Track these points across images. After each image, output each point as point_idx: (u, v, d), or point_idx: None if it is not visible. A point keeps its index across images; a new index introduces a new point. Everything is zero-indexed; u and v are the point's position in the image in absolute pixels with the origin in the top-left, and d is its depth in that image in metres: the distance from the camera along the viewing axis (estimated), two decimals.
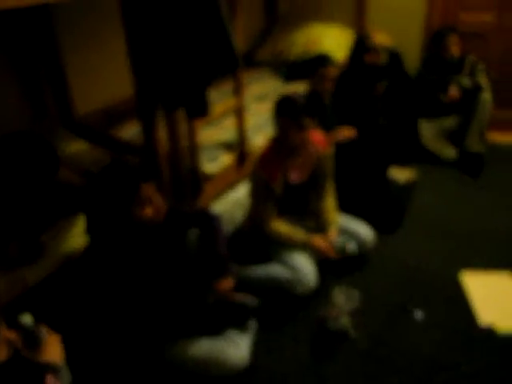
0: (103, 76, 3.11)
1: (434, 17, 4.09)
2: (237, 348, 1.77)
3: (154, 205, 1.68)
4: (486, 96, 3.34)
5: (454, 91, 3.35)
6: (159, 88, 2.15)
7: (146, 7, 1.99)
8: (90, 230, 1.74)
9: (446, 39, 3.39)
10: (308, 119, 2.07)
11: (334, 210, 2.35)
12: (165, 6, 1.96)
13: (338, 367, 1.88)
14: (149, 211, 1.67)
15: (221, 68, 2.20)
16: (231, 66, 2.24)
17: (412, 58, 3.85)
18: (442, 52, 3.43)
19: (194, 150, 2.48)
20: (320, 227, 2.29)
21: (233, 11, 2.40)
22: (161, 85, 2.14)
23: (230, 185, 2.82)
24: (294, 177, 2.23)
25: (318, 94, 2.82)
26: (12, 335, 1.25)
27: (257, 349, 1.89)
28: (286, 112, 2.08)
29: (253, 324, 1.89)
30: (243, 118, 2.78)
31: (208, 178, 2.63)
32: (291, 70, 4.05)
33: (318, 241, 2.19)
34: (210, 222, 1.95)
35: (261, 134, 3.03)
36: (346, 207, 2.50)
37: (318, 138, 2.28)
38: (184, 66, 2.06)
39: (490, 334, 2.00)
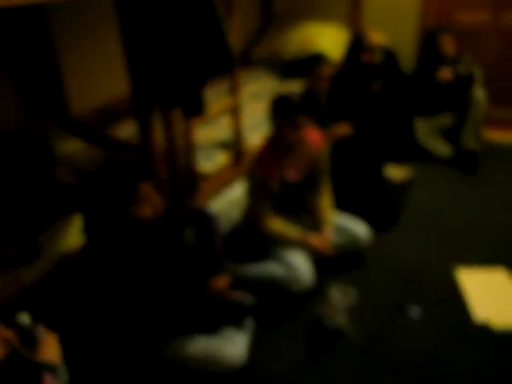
0: (99, 75, 3.10)
1: (429, 16, 4.10)
2: (234, 346, 1.77)
3: (151, 203, 1.68)
4: (480, 93, 3.36)
5: (446, 72, 3.35)
6: (155, 87, 2.15)
7: (142, 6, 1.99)
8: (86, 229, 1.74)
9: (439, 38, 3.40)
10: (304, 118, 2.08)
11: (331, 208, 2.36)
12: (160, 5, 1.96)
13: (334, 365, 1.89)
14: (147, 210, 1.67)
15: (217, 67, 2.21)
16: (227, 65, 2.25)
17: (407, 57, 3.86)
18: (435, 51, 3.44)
19: (190, 149, 2.49)
20: (316, 225, 2.29)
21: (228, 10, 2.40)
22: (157, 84, 2.14)
23: (227, 183, 2.82)
24: (291, 175, 2.24)
25: (314, 93, 2.83)
26: (9, 334, 1.25)
27: (253, 347, 1.89)
28: (281, 111, 2.09)
29: (250, 322, 1.90)
30: (239, 117, 2.78)
31: (204, 176, 2.64)
32: (287, 68, 4.05)
33: (314, 239, 2.20)
34: (207, 220, 1.95)
35: (257, 133, 3.03)
36: (342, 205, 2.51)
37: (314, 137, 2.29)
38: (180, 65, 2.06)
39: (485, 330, 2.01)
